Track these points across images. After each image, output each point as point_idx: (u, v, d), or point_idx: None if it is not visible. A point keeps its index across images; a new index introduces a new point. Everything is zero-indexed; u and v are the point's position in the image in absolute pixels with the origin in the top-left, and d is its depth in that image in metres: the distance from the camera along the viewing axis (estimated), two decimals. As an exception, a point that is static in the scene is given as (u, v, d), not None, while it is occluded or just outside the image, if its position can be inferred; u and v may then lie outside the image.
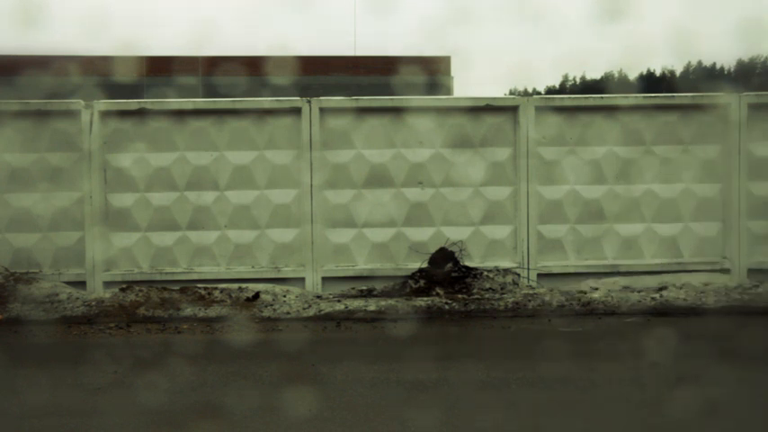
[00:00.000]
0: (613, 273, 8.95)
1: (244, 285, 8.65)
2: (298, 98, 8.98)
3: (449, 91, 23.95)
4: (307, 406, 4.99)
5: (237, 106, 8.91)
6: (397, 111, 8.99)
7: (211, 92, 20.13)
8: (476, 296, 8.41)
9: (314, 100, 8.90)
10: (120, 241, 8.84)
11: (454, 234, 8.94)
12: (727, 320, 7.20)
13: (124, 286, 8.63)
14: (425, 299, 8.33)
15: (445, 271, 8.73)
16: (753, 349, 6.34)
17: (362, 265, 8.96)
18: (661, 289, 8.63)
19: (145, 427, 4.82)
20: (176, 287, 8.62)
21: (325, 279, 8.87)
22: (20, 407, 5.14)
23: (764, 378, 5.69)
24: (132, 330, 7.31)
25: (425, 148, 8.99)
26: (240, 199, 8.92)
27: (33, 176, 8.78)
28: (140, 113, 8.83)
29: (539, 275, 8.91)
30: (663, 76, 53.12)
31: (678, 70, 55.66)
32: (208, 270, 8.87)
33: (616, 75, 55.79)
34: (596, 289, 8.66)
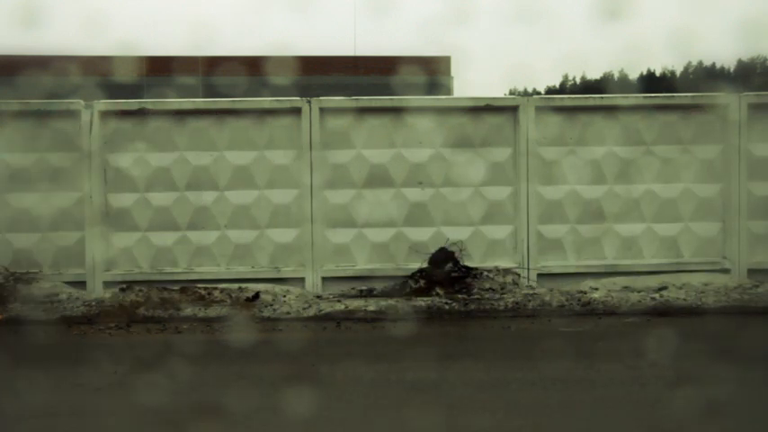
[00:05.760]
0: (613, 273, 8.92)
1: (244, 285, 8.64)
2: (298, 98, 8.97)
3: (449, 91, 23.99)
4: (307, 406, 4.99)
5: (237, 106, 8.91)
6: (397, 111, 8.99)
7: (211, 92, 20.11)
8: (476, 296, 8.41)
9: (314, 100, 8.90)
10: (120, 241, 8.83)
11: (454, 234, 8.93)
12: (727, 320, 7.20)
13: (124, 286, 8.63)
14: (425, 299, 8.33)
15: (445, 271, 8.73)
16: (753, 349, 6.34)
17: (362, 265, 8.96)
18: (661, 289, 8.62)
19: (145, 428, 4.82)
20: (176, 287, 8.61)
21: (325, 279, 8.87)
22: (20, 407, 5.13)
23: (764, 378, 5.69)
24: (132, 330, 7.31)
25: (425, 148, 8.98)
26: (240, 199, 8.92)
27: (33, 176, 8.77)
28: (140, 113, 8.82)
29: (539, 275, 8.91)
30: (663, 76, 53.11)
31: (678, 70, 55.65)
32: (208, 270, 8.86)
33: (616, 75, 55.80)
34: (596, 289, 8.66)
